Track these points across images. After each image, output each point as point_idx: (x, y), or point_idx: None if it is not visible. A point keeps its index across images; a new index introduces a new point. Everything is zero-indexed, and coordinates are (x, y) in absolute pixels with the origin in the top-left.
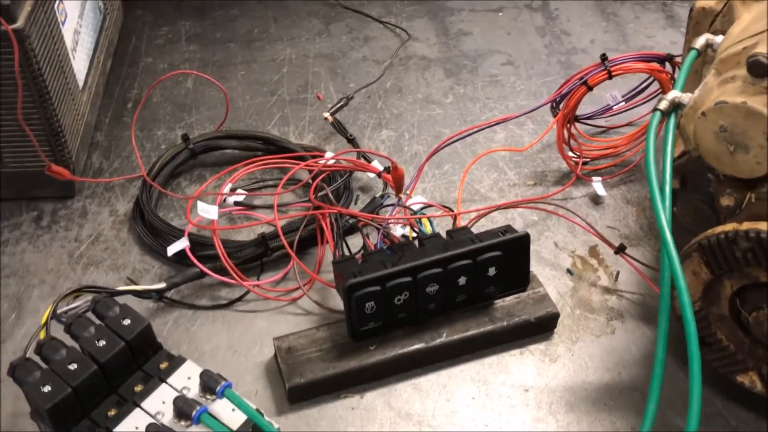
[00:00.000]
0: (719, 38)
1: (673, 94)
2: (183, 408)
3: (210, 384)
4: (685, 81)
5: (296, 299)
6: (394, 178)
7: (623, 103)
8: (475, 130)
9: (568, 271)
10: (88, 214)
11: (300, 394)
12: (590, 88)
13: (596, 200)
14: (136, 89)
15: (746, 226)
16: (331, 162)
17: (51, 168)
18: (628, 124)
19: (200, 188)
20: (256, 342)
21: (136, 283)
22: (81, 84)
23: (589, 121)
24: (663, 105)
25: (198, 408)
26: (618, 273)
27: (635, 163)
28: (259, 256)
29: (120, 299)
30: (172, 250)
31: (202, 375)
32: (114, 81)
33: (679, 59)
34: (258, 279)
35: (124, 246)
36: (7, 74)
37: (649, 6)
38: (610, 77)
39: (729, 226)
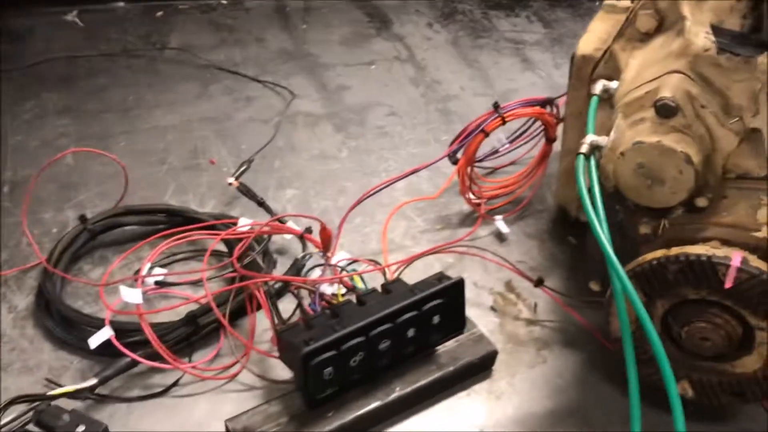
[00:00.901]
0: (614, 84)
1: (590, 137)
2: None
3: None
4: (594, 125)
5: (235, 375)
6: (323, 238)
7: (508, 144)
8: (394, 180)
9: (492, 308)
10: None
11: None
12: (487, 135)
13: (500, 237)
14: (10, 170)
15: (675, 251)
16: (247, 228)
17: None
18: (512, 164)
19: (109, 270)
20: (202, 426)
21: (59, 384)
22: None
23: (479, 164)
24: (584, 149)
25: None
26: (536, 304)
27: (528, 199)
28: (188, 336)
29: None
30: (95, 341)
31: None
32: None
33: (558, 101)
34: (190, 360)
35: (33, 344)
36: None
37: (504, 52)
38: (504, 122)
39: (658, 253)
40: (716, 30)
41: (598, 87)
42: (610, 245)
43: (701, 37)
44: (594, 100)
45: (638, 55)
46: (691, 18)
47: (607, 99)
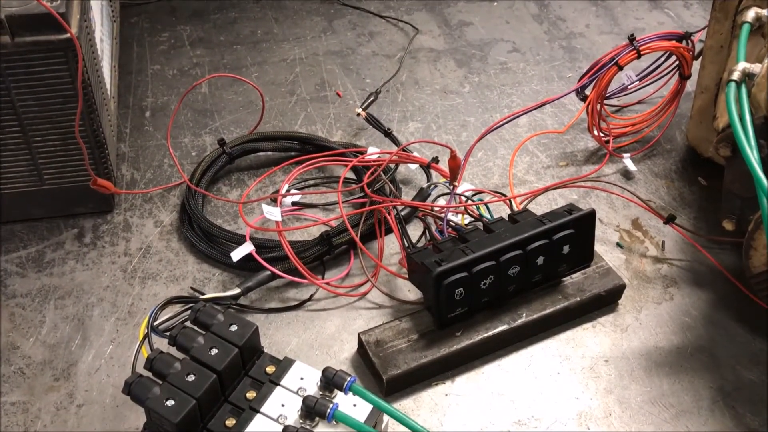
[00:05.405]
0: (767, 11)
1: (743, 65)
2: (316, 407)
3: (336, 381)
4: (745, 53)
5: (365, 293)
6: (452, 167)
7: (637, 81)
8: (520, 113)
9: (618, 244)
10: (131, 227)
11: (396, 385)
12: (620, 68)
13: (627, 176)
14: (151, 97)
15: None
16: (376, 156)
17: (96, 182)
18: (640, 102)
19: (247, 191)
20: (335, 339)
21: (202, 293)
22: (108, 93)
23: (606, 101)
24: (736, 76)
25: (331, 406)
26: (664, 242)
27: (657, 138)
28: (322, 255)
29: None
30: (237, 255)
31: (324, 372)
32: (125, 90)
33: (694, 37)
34: (323, 277)
35: (178, 256)
36: (56, 86)
37: None
38: (639, 56)
39: None
40: None
41: (750, 14)
42: (762, 171)
43: None
44: (745, 27)
45: None
46: None
47: (758, 28)
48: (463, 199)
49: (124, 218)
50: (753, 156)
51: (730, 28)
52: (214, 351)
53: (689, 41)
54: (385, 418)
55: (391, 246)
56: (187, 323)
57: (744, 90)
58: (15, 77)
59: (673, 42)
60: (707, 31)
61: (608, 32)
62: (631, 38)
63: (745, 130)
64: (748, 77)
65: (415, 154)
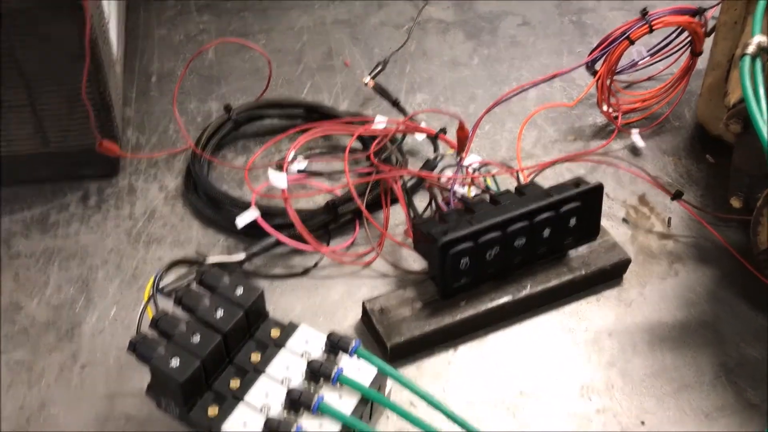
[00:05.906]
0: None
1: (758, 38)
2: (321, 370)
3: (341, 345)
4: (761, 26)
5: (370, 262)
6: (459, 137)
7: (648, 57)
8: (529, 85)
9: (624, 219)
10: (136, 191)
11: (400, 353)
12: (632, 42)
13: (635, 152)
14: (157, 62)
15: None
16: (383, 126)
17: (102, 144)
18: (650, 79)
19: (253, 157)
20: (339, 306)
21: (207, 256)
22: (115, 56)
23: (615, 76)
24: (750, 50)
25: (336, 369)
26: (670, 219)
27: (665, 115)
28: (327, 223)
29: None
30: (242, 221)
31: (330, 336)
32: (131, 55)
33: (708, 13)
34: (328, 245)
35: (183, 221)
36: (63, 46)
37: None
38: (651, 30)
39: None
40: None
41: None
42: None
43: None
44: (761, 1)
45: None
46: None
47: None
48: (470, 170)
49: (129, 182)
50: (766, 130)
51: (745, 3)
52: (219, 312)
53: (702, 17)
54: (389, 385)
55: (396, 216)
56: (193, 285)
57: (759, 64)
58: (20, 36)
59: (687, 17)
60: (721, 6)
61: (619, 8)
62: (644, 12)
63: (758, 104)
64: (763, 51)
65: (423, 125)
